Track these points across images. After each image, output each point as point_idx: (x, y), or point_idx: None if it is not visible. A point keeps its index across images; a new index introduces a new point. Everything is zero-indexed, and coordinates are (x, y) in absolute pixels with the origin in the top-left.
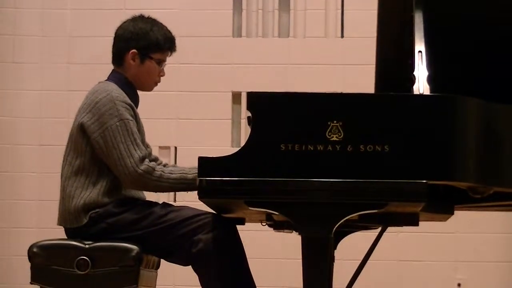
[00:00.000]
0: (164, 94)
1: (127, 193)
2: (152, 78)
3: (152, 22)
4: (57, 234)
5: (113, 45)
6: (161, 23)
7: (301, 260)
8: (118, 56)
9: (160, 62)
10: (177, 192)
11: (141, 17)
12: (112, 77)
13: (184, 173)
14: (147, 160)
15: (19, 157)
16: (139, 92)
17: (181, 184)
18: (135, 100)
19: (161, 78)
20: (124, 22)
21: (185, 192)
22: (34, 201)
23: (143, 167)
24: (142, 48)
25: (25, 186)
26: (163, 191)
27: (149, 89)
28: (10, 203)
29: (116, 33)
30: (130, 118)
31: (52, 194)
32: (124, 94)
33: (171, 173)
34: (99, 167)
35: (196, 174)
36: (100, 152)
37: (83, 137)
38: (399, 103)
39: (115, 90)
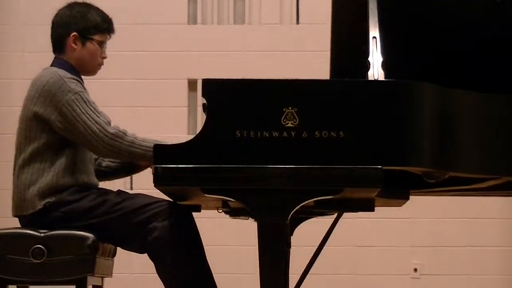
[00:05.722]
0: (120, 82)
1: (81, 180)
2: (95, 60)
3: (88, 5)
4: (12, 223)
5: (52, 33)
6: (96, 6)
7: (257, 247)
8: (58, 42)
9: (101, 44)
10: (133, 180)
11: (76, 3)
12: (55, 64)
13: (157, 142)
14: (115, 125)
15: None
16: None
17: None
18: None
19: (117, 67)
20: (60, 10)
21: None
22: None
23: (112, 130)
24: (82, 30)
25: None
26: (135, 158)
27: (94, 72)
28: None
29: (53, 21)
30: (83, 90)
31: (8, 183)
32: (69, 73)
33: (144, 140)
34: (53, 153)
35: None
36: (65, 130)
37: (37, 124)
38: (354, 89)
39: (60, 71)
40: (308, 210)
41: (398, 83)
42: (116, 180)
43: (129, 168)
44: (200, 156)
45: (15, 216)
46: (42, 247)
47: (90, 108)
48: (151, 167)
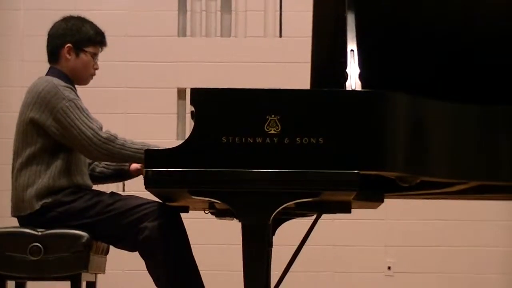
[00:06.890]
0: (113, 90)
1: (76, 181)
2: (88, 71)
3: (82, 19)
4: (11, 223)
5: (48, 44)
6: (91, 21)
7: (241, 246)
8: (54, 52)
9: (94, 56)
10: (125, 182)
11: (71, 16)
12: (50, 73)
13: (145, 145)
14: (106, 130)
15: None
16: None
17: (142, 154)
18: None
19: (111, 76)
20: (56, 22)
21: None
22: None
23: (105, 135)
24: (76, 42)
25: None
26: (125, 159)
27: (86, 82)
28: None
29: (49, 33)
30: (77, 97)
31: (7, 185)
32: (63, 81)
33: (133, 143)
34: (48, 156)
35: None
36: (59, 135)
37: (33, 130)
38: (333, 98)
39: (55, 79)
40: (289, 212)
41: (374, 93)
42: None
43: (120, 175)
44: (188, 160)
45: (13, 216)
46: (39, 245)
47: (83, 114)
48: (142, 173)
